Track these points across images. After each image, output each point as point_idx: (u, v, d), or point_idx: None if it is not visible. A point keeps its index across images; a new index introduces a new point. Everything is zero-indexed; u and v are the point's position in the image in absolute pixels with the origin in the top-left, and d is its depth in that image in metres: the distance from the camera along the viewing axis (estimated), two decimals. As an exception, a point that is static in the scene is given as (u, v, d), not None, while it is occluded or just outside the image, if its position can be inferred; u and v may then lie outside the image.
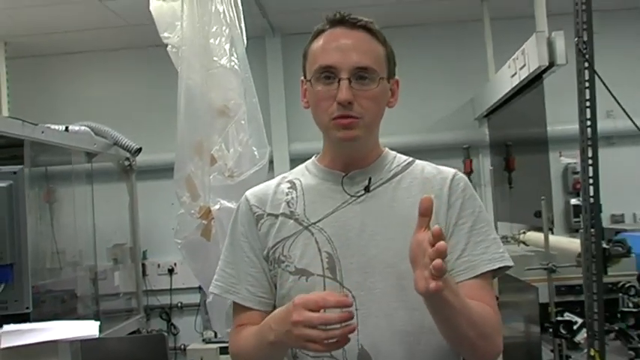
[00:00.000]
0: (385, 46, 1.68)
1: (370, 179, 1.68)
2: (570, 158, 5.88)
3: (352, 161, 1.70)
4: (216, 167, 3.55)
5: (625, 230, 4.71)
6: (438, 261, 1.28)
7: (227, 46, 3.58)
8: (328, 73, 1.61)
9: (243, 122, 3.56)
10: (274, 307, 1.70)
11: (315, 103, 1.65)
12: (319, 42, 1.66)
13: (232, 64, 3.58)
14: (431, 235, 1.32)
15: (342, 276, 1.61)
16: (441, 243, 1.29)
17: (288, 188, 1.74)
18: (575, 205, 5.88)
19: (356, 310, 1.54)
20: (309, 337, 1.41)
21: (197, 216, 3.60)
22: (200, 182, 3.59)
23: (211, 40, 3.57)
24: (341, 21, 1.66)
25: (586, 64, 2.83)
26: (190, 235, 3.63)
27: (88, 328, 2.47)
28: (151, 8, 3.67)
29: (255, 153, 3.60)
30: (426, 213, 1.40)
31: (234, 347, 1.74)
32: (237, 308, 1.75)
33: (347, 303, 1.43)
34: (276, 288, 1.71)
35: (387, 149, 1.78)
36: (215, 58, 3.57)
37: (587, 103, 2.88)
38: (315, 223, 1.66)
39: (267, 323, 1.56)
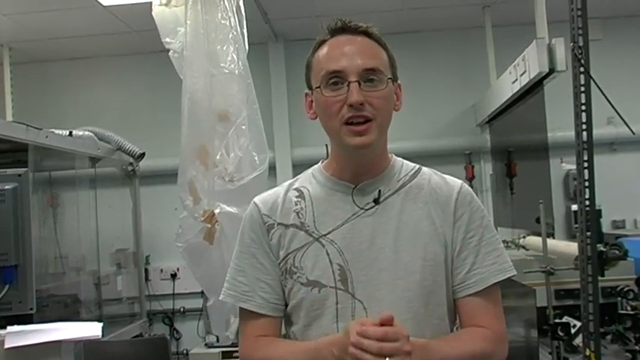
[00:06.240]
0: (387, 50, 1.69)
1: (380, 191, 1.68)
2: (571, 164, 5.86)
3: (362, 170, 1.69)
4: (216, 172, 3.59)
5: (625, 235, 4.73)
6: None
7: (232, 52, 3.62)
8: (336, 79, 1.60)
9: (243, 127, 3.60)
10: (285, 314, 1.72)
11: (324, 110, 1.64)
12: (323, 50, 1.66)
13: (237, 70, 3.62)
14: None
15: (354, 288, 1.62)
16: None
17: (297, 197, 1.73)
18: (575, 211, 5.88)
19: None
20: None
21: (201, 219, 3.63)
22: (201, 186, 3.63)
23: (217, 47, 3.61)
24: (342, 29, 1.66)
25: (582, 69, 2.85)
26: (192, 238, 3.66)
27: (92, 329, 2.49)
28: (154, 14, 3.71)
29: (256, 158, 3.64)
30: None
31: (258, 357, 1.70)
32: (249, 316, 1.72)
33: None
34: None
35: (394, 157, 1.78)
36: (221, 64, 3.61)
37: (583, 107, 2.90)
38: (325, 235, 1.66)
39: (325, 348, 1.55)
